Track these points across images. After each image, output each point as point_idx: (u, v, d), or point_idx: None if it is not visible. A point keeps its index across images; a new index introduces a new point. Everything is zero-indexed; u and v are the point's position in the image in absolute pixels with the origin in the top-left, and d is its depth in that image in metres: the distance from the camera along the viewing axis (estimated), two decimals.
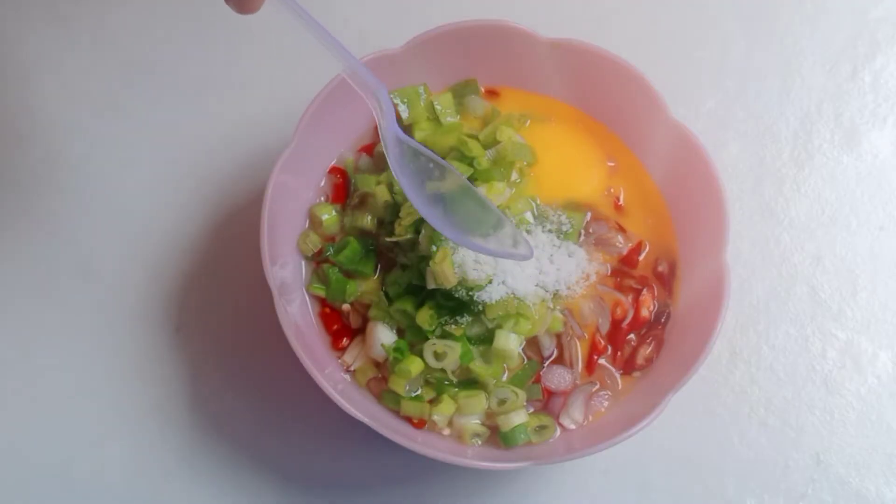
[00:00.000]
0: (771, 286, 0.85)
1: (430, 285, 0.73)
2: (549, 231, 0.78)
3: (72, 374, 0.83)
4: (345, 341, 0.78)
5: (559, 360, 0.78)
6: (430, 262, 0.72)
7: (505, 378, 0.76)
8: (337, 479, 0.81)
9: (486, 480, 0.81)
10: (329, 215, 0.80)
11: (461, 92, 0.83)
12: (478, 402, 0.75)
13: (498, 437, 0.75)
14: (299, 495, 0.80)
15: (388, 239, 0.76)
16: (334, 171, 0.81)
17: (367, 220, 0.78)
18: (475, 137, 0.79)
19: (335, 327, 0.78)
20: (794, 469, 0.81)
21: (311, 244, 0.79)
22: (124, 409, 0.82)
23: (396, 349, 0.75)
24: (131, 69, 0.90)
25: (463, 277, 0.72)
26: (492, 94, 0.83)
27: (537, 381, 0.77)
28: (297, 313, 0.76)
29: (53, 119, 0.89)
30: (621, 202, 0.81)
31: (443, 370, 0.75)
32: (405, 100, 0.81)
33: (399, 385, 0.75)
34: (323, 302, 0.79)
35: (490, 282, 0.73)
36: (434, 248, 0.72)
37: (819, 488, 0.81)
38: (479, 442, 0.76)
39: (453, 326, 0.74)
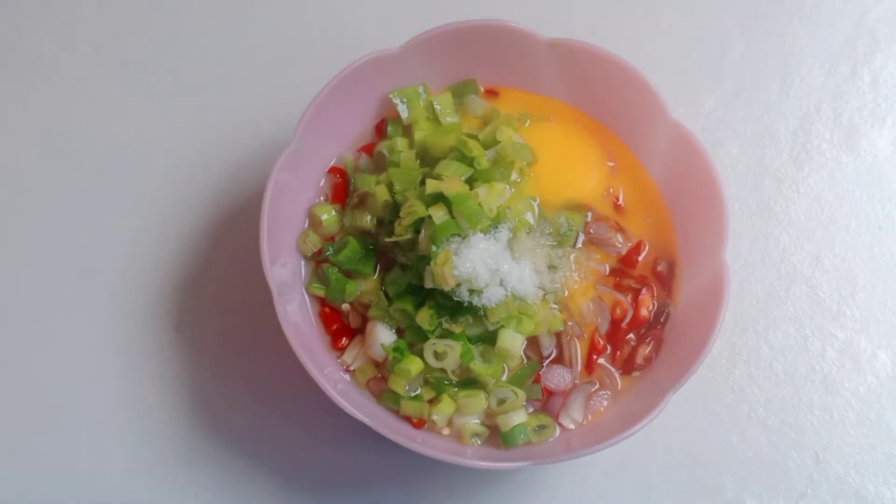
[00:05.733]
0: (770, 286, 0.86)
1: (428, 284, 0.73)
2: (549, 232, 0.78)
3: (72, 373, 0.83)
4: (344, 341, 0.78)
5: (558, 360, 0.78)
6: (431, 263, 0.72)
7: (504, 378, 0.77)
8: (337, 479, 0.81)
9: (485, 480, 0.81)
10: (328, 215, 0.80)
11: (461, 92, 0.82)
12: (477, 402, 0.75)
13: (497, 436, 0.75)
14: (299, 495, 0.81)
15: (387, 239, 0.76)
16: (334, 170, 0.81)
17: (367, 220, 0.78)
18: (475, 137, 0.79)
19: (335, 327, 0.78)
20: (793, 468, 0.82)
21: (310, 244, 0.79)
22: (124, 409, 0.82)
23: (396, 349, 0.75)
24: (131, 69, 0.90)
25: (460, 281, 0.72)
26: (491, 94, 0.83)
27: (537, 380, 0.77)
28: (297, 313, 0.76)
29: (53, 119, 0.89)
30: (621, 202, 0.81)
31: (442, 370, 0.75)
32: (405, 100, 0.81)
33: (399, 385, 0.75)
34: (323, 302, 0.79)
35: (487, 286, 0.73)
36: (435, 248, 0.72)
37: (818, 488, 0.81)
38: (479, 442, 0.76)
39: (453, 325, 0.74)
